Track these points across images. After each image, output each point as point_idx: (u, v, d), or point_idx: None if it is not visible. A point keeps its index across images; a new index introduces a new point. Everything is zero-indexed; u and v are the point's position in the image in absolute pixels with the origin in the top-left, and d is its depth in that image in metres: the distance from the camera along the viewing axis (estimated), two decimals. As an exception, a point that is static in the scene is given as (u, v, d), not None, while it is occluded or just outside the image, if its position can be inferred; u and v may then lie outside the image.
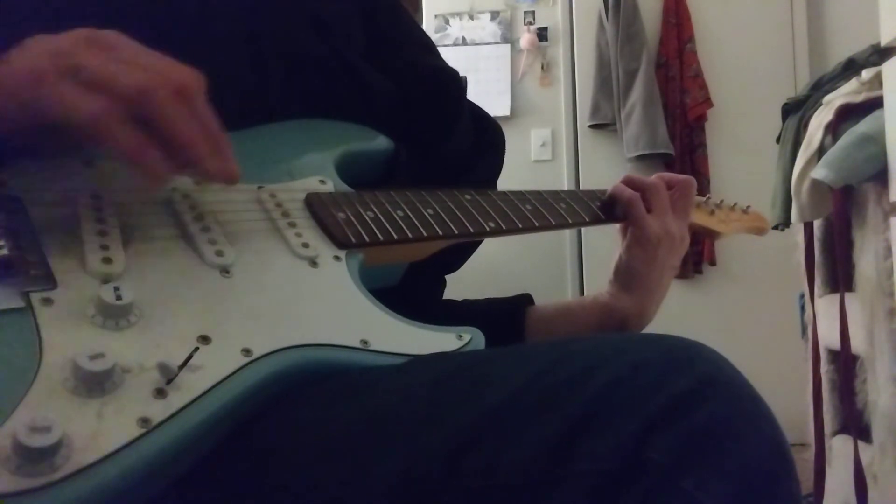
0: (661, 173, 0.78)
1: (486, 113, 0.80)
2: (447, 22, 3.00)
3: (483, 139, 0.78)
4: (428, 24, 2.97)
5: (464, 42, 2.98)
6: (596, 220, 0.73)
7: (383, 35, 0.75)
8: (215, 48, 0.62)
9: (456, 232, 0.60)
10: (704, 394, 0.36)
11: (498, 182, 0.80)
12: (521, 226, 0.65)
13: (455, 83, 0.77)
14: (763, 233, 0.96)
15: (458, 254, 0.74)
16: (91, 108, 0.43)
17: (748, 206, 0.93)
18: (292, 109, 0.65)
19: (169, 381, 0.40)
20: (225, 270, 0.48)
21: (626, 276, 0.72)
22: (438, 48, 0.83)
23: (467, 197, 0.65)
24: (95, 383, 0.38)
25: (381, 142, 0.68)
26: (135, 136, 0.44)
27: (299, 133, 0.65)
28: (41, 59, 0.44)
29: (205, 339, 0.43)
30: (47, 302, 0.41)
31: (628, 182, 0.75)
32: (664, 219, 0.72)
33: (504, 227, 0.64)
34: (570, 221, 0.70)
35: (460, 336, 0.52)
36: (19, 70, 0.44)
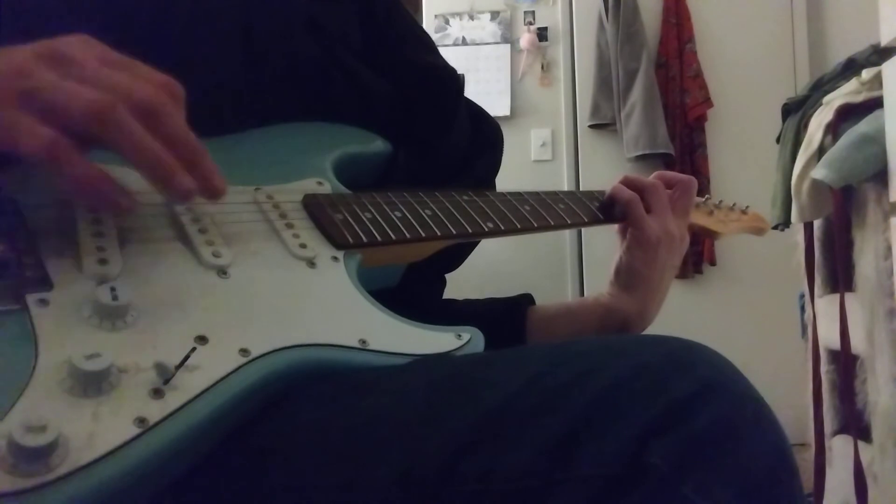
0: (661, 172, 0.78)
1: (483, 111, 0.80)
2: (447, 22, 3.00)
3: (480, 138, 0.78)
4: (428, 24, 2.97)
5: (464, 42, 2.98)
6: (595, 221, 0.72)
7: (381, 34, 0.74)
8: (210, 50, 0.61)
9: (454, 233, 0.60)
10: (705, 398, 0.36)
11: (497, 182, 0.80)
12: (519, 226, 0.65)
13: (452, 80, 0.76)
14: (762, 233, 0.95)
15: (456, 253, 0.74)
16: (37, 141, 0.40)
17: (747, 207, 0.93)
18: (288, 112, 0.65)
19: (166, 381, 0.39)
20: (222, 271, 0.48)
21: (626, 276, 0.72)
22: (438, 48, 0.83)
23: (465, 198, 0.64)
24: (92, 383, 0.38)
25: (378, 145, 0.68)
26: (83, 167, 0.42)
27: (296, 135, 0.65)
28: None
29: (202, 340, 0.43)
30: (43, 303, 0.41)
31: (627, 182, 0.74)
32: (664, 219, 0.72)
33: (502, 228, 0.64)
34: (569, 222, 0.70)
35: (459, 335, 0.51)
36: None
